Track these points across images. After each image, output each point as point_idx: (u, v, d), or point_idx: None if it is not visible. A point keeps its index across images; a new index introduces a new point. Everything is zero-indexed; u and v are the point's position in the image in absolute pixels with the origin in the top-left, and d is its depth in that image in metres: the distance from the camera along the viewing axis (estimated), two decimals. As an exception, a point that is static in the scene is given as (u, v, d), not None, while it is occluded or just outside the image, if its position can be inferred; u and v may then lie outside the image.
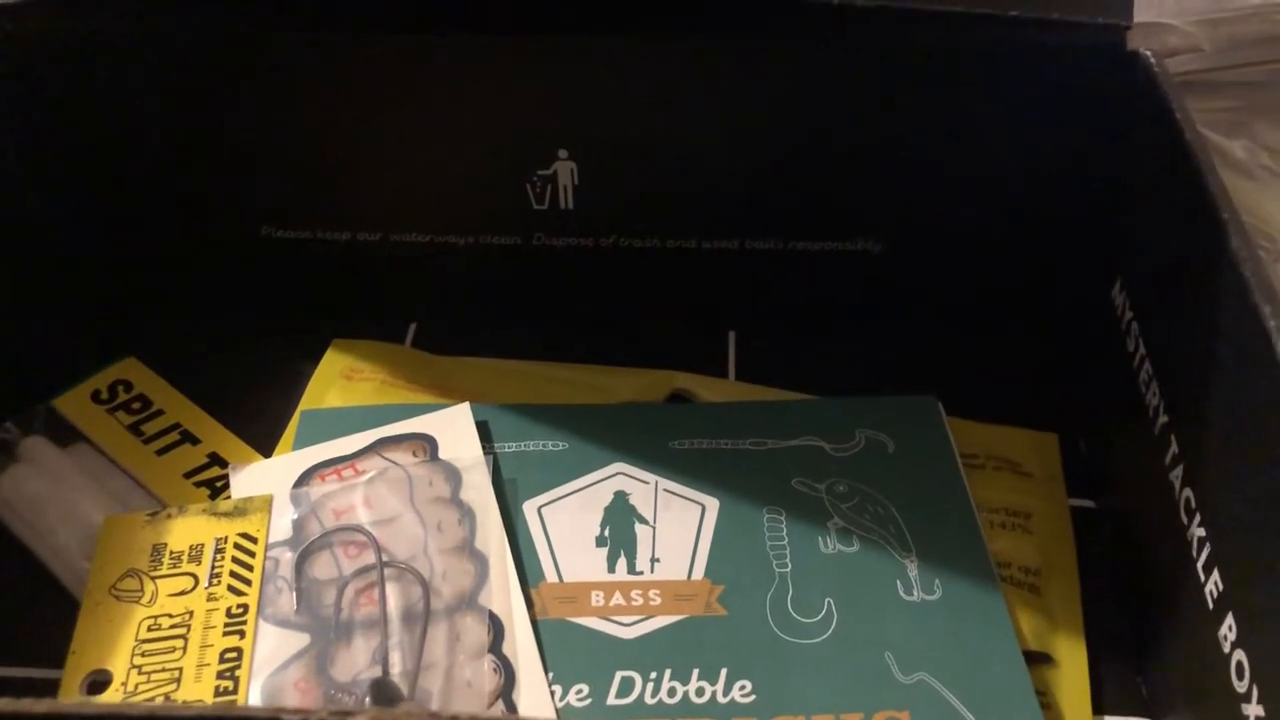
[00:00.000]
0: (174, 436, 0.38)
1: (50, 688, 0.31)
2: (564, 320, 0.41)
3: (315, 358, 0.40)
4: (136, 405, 0.39)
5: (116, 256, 0.41)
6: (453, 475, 0.34)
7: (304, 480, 0.35)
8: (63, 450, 0.37)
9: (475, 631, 0.31)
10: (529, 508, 0.34)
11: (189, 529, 0.34)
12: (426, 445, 0.35)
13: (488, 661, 0.30)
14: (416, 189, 0.39)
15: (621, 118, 0.36)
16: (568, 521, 0.34)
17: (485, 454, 0.35)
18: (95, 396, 0.39)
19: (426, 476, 0.34)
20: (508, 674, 0.30)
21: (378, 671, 0.30)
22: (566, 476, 0.35)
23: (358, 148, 0.37)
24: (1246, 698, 0.26)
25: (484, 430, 0.36)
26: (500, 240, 0.40)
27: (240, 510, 0.34)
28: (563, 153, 0.37)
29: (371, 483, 0.34)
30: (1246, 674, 0.26)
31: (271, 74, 0.36)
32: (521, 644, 0.31)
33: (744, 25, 0.34)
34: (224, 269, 0.41)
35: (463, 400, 0.37)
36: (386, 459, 0.35)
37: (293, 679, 0.30)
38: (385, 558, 0.32)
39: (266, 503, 0.34)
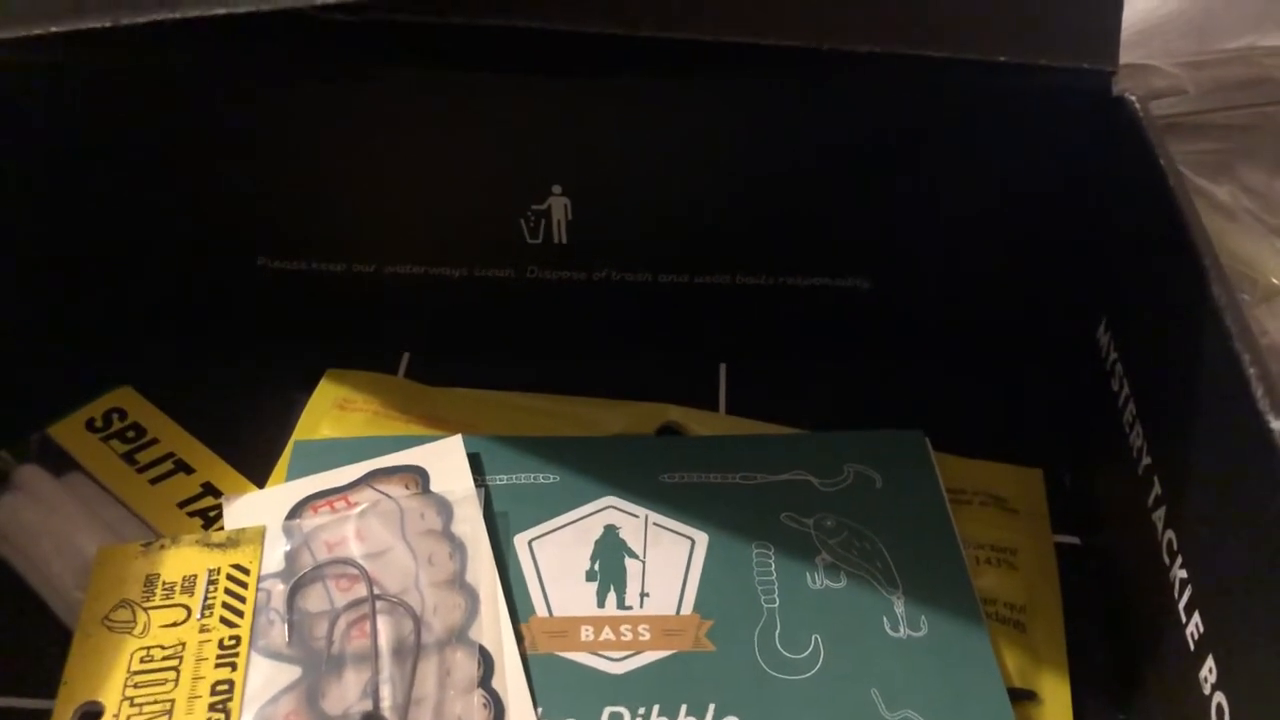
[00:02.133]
0: (168, 466, 0.38)
1: (43, 719, 0.31)
2: (556, 353, 0.42)
3: (310, 388, 0.40)
4: (131, 434, 0.39)
5: (113, 286, 0.41)
6: (444, 508, 0.35)
7: (296, 512, 0.35)
8: (57, 479, 0.37)
9: (465, 666, 0.31)
10: (519, 541, 0.35)
11: (182, 560, 0.34)
12: (418, 478, 0.36)
13: (477, 696, 0.30)
14: (411, 221, 0.39)
15: (615, 155, 0.37)
16: (558, 555, 0.34)
17: (476, 486, 0.35)
18: (90, 425, 0.40)
19: (418, 509, 0.34)
20: (497, 709, 0.30)
21: (368, 705, 0.30)
22: (557, 510, 0.36)
23: (354, 180, 0.38)
24: (1226, 740, 0.26)
25: (475, 462, 0.36)
26: (494, 273, 0.40)
27: (233, 541, 0.34)
28: (556, 188, 0.37)
29: (364, 515, 0.34)
30: (1226, 717, 0.26)
31: (269, 107, 0.36)
32: (511, 678, 0.31)
33: (736, 67, 0.35)
34: (220, 299, 0.42)
35: (455, 432, 0.37)
36: (379, 491, 0.35)
37: (284, 712, 0.30)
38: (376, 591, 0.32)
39: (259, 534, 0.34)
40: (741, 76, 0.35)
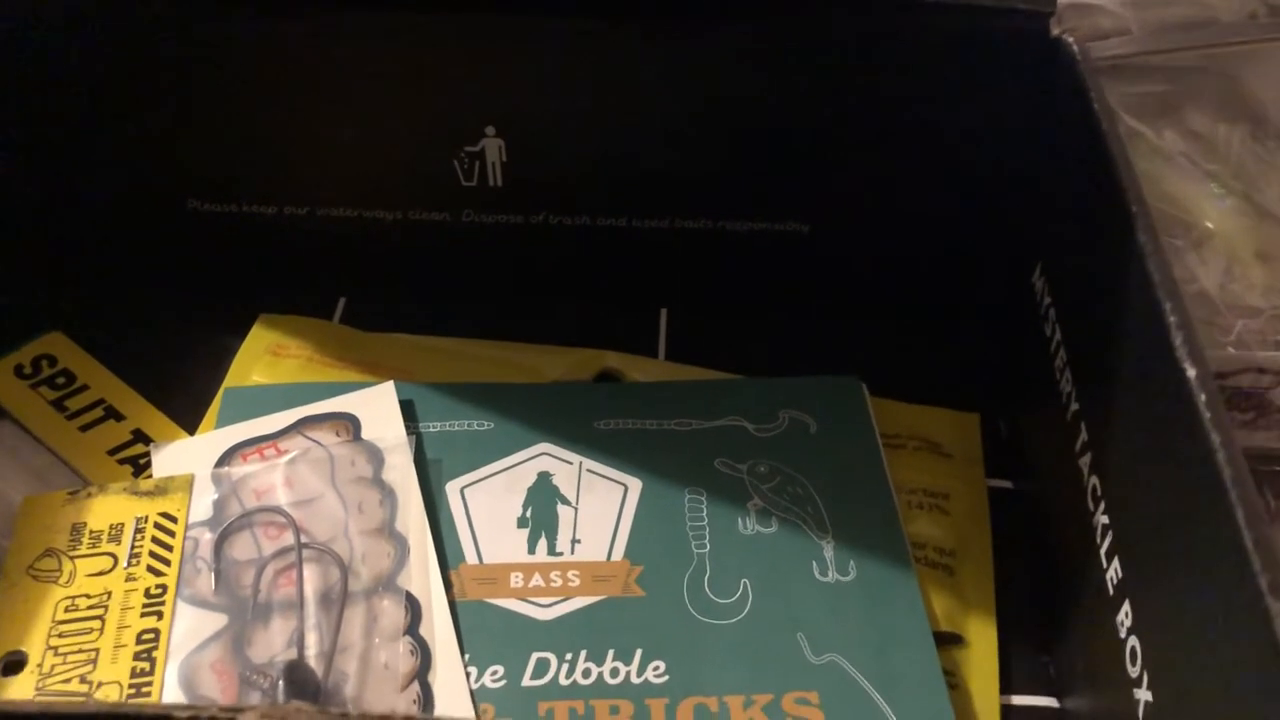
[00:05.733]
0: (98, 413, 0.38)
1: (-33, 668, 0.30)
2: (494, 298, 0.41)
3: (242, 333, 0.40)
4: (61, 380, 0.39)
5: (41, 229, 0.40)
6: (375, 455, 0.34)
7: (226, 459, 0.35)
8: None
9: (392, 614, 0.31)
10: (451, 488, 0.34)
11: (109, 508, 0.34)
12: (349, 425, 0.35)
13: (404, 643, 0.30)
14: (344, 163, 0.38)
15: (550, 95, 0.36)
16: (490, 502, 0.34)
17: (409, 433, 0.35)
18: (18, 371, 0.39)
19: (349, 456, 0.34)
20: (424, 656, 0.30)
21: (293, 654, 0.30)
22: (491, 457, 0.35)
23: (285, 122, 0.37)
24: (1138, 683, 0.27)
25: (409, 409, 0.36)
26: (429, 216, 0.39)
27: (161, 489, 0.34)
28: (490, 129, 0.37)
29: (293, 463, 0.34)
30: (1139, 660, 0.27)
31: (198, 47, 0.35)
32: (439, 626, 0.31)
33: (672, 6, 0.34)
34: (151, 243, 0.41)
35: (389, 378, 0.37)
36: (309, 438, 0.35)
37: (209, 660, 0.30)
38: (304, 539, 0.32)
39: (187, 482, 0.34)
40: (677, 16, 0.34)
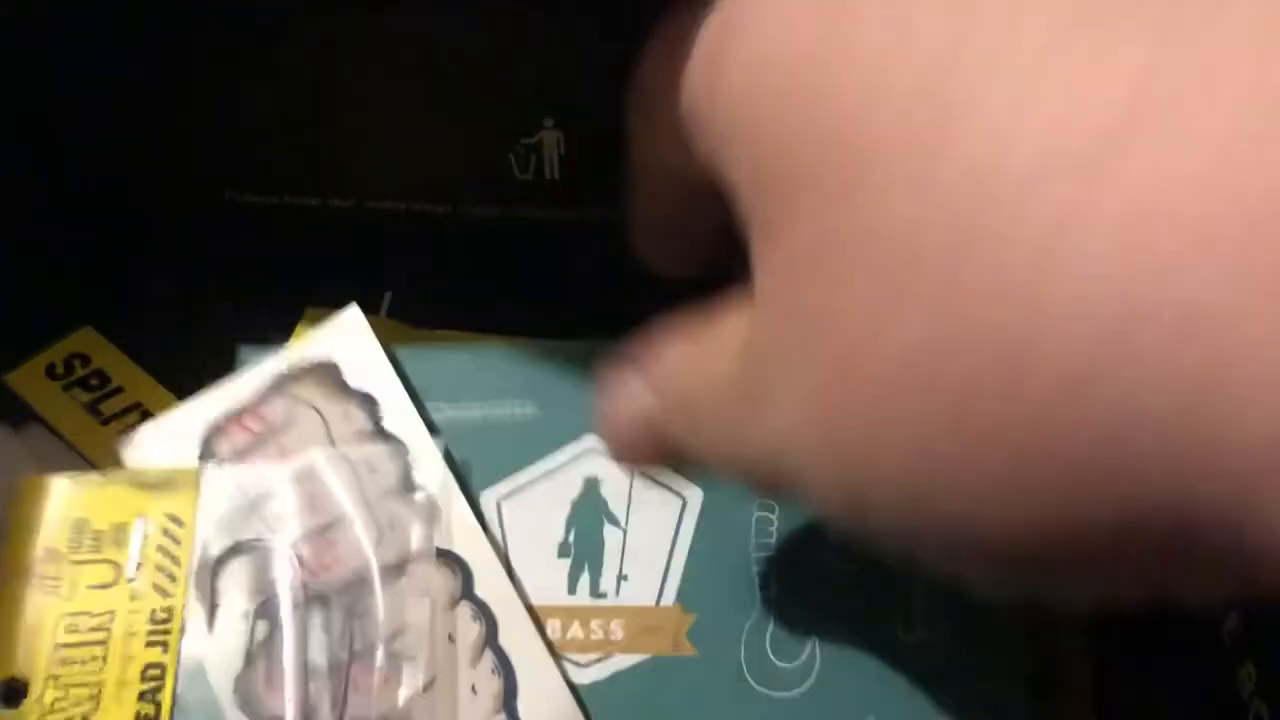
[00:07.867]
0: (134, 417, 0.34)
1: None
2: (547, 294, 0.37)
3: (283, 327, 0.35)
4: (94, 381, 0.35)
5: (72, 221, 0.36)
6: (399, 454, 0.30)
7: (214, 442, 0.31)
8: (15, 432, 0.33)
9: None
10: (488, 500, 0.30)
11: (112, 501, 0.30)
12: (331, 372, 0.31)
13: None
14: (392, 154, 0.34)
15: (611, 87, 0.30)
16: (529, 520, 0.30)
17: (432, 434, 0.31)
18: (50, 371, 0.35)
19: (366, 460, 0.30)
20: None
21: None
22: (532, 454, 0.31)
23: (330, 110, 0.33)
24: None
25: (437, 390, 0.32)
26: (481, 210, 0.35)
27: (168, 482, 0.30)
28: (549, 121, 0.32)
29: (310, 475, 0.30)
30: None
31: (237, 30, 0.30)
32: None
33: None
34: (186, 235, 0.37)
35: None
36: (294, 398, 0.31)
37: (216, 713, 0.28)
38: (320, 584, 0.29)
39: (196, 477, 0.30)
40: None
